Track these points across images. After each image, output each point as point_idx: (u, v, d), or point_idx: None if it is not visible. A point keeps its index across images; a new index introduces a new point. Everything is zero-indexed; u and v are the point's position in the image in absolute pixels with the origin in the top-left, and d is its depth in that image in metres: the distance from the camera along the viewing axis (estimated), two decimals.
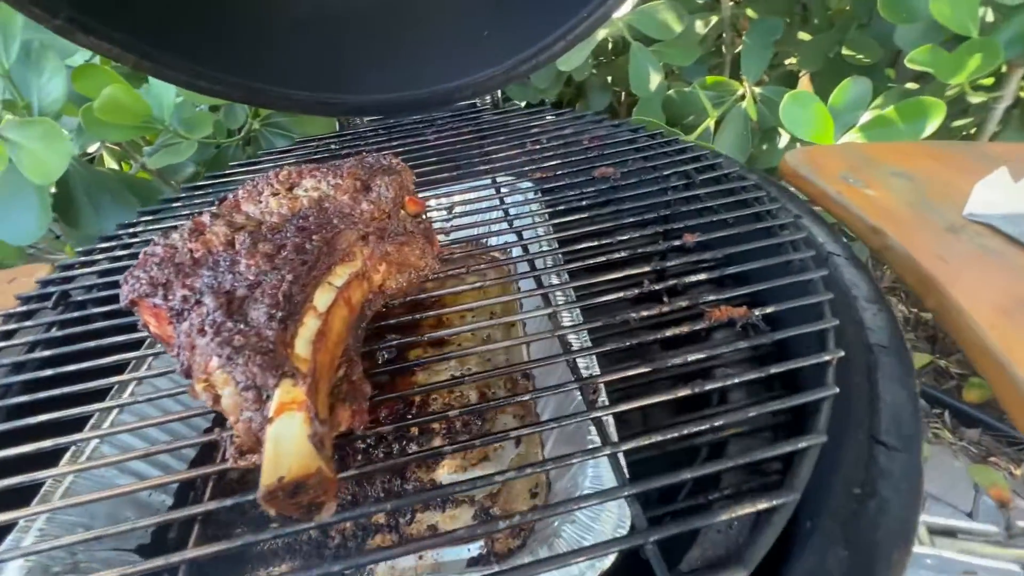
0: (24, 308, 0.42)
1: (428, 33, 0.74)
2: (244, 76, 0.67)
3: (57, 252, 1.68)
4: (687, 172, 0.47)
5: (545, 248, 0.42)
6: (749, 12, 1.39)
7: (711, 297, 0.33)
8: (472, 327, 0.37)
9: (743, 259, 0.36)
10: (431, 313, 0.38)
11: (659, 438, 0.25)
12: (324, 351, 0.26)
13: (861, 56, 1.13)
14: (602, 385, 0.30)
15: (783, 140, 1.19)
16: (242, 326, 0.24)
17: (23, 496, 0.30)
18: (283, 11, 0.67)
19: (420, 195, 0.49)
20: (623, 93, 1.64)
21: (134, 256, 0.47)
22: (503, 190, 0.51)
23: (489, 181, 0.53)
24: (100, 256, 0.47)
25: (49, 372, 0.34)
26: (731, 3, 1.30)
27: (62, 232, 1.18)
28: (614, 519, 0.26)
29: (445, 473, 0.40)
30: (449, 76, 0.77)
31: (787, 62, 1.38)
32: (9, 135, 0.82)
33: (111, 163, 1.32)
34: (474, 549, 0.35)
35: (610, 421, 0.28)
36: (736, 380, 0.27)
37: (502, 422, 0.44)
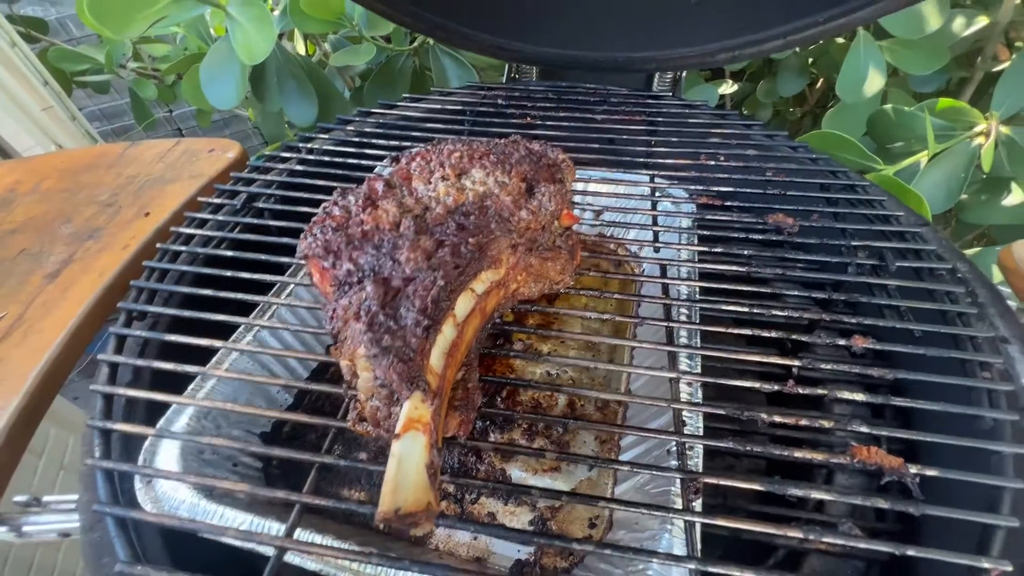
0: (218, 200, 0.48)
1: None
2: (432, 11, 0.67)
3: (242, 111, 1.91)
4: (882, 251, 0.40)
5: (684, 292, 0.40)
6: None
7: (862, 428, 0.29)
8: (584, 336, 0.36)
9: (921, 392, 0.31)
10: (547, 309, 0.38)
11: (751, 575, 0.23)
12: (453, 365, 0.27)
13: None
14: (701, 484, 0.28)
15: (1014, 198, 0.96)
16: (392, 324, 0.26)
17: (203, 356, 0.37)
18: None
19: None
20: (820, 81, 1.40)
21: (307, 174, 0.51)
22: (660, 205, 0.48)
23: (647, 188, 0.49)
24: (282, 166, 0.53)
25: (228, 274, 0.40)
26: (1017, 2, 1.02)
27: (250, 101, 1.32)
28: None
29: (517, 469, 0.42)
30: (636, 44, 0.71)
31: None
32: (230, 10, 0.91)
33: (299, 43, 1.43)
34: (523, 552, 0.38)
35: (697, 527, 0.27)
36: (863, 546, 0.24)
37: (582, 438, 0.44)
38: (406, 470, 0.21)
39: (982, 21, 1.02)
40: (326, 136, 0.59)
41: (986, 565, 0.24)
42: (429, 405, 0.24)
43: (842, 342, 0.34)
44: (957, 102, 0.93)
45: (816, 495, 0.26)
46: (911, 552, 0.24)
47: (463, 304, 0.29)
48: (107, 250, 0.59)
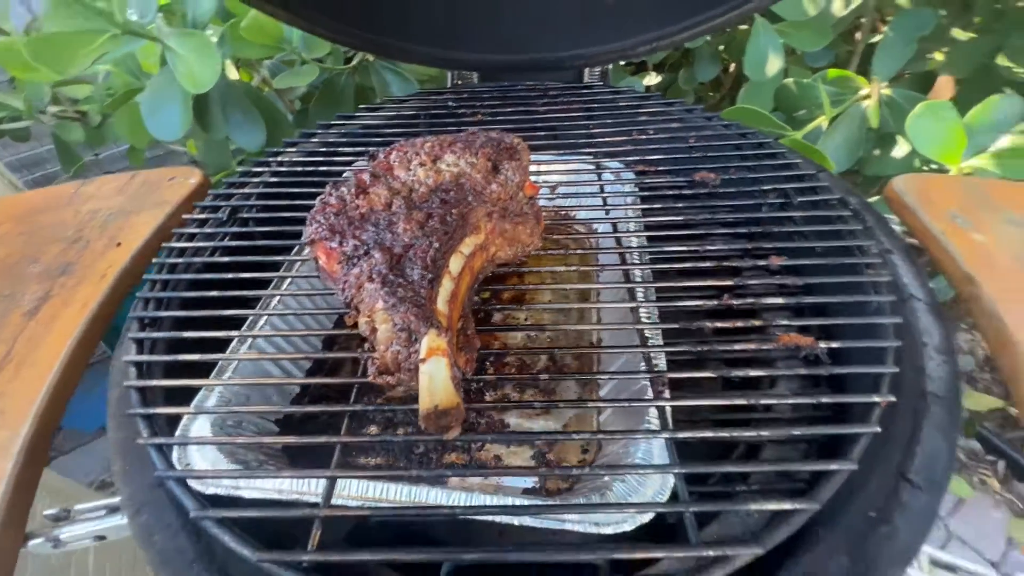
0: (201, 216, 0.51)
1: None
2: (370, 30, 0.72)
3: (178, 146, 1.86)
4: (786, 191, 0.49)
5: (634, 242, 0.47)
6: None
7: (783, 322, 0.36)
8: (554, 307, 0.42)
9: (823, 291, 0.39)
10: (519, 285, 0.44)
11: (711, 434, 0.30)
12: (455, 309, 0.32)
13: (1020, 70, 1.01)
14: (667, 378, 0.35)
15: (901, 149, 1.11)
16: (402, 280, 0.31)
17: (205, 368, 0.40)
18: None
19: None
20: (732, 65, 1.55)
21: (283, 184, 0.55)
22: (604, 176, 0.55)
23: (591, 163, 0.56)
24: (256, 180, 0.56)
25: (229, 276, 0.43)
26: None
27: (191, 132, 1.31)
28: (656, 487, 0.32)
29: (514, 417, 0.48)
30: (564, 44, 0.78)
31: (930, 57, 1.25)
32: (169, 43, 0.93)
33: (231, 70, 1.43)
34: (529, 482, 0.43)
35: (668, 411, 0.33)
36: (790, 401, 0.32)
37: (565, 384, 0.50)
38: (436, 380, 0.26)
39: (856, 1, 1.17)
40: (293, 149, 0.62)
41: (877, 399, 0.32)
42: (444, 337, 0.29)
43: (763, 263, 0.41)
44: (845, 71, 1.07)
45: (754, 373, 0.33)
46: (825, 400, 0.32)
47: (455, 263, 0.34)
48: (85, 282, 0.60)
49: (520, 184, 0.40)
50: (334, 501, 0.33)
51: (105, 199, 0.76)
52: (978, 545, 1.41)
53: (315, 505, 0.29)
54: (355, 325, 0.35)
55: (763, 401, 0.31)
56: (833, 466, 0.28)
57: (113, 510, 0.39)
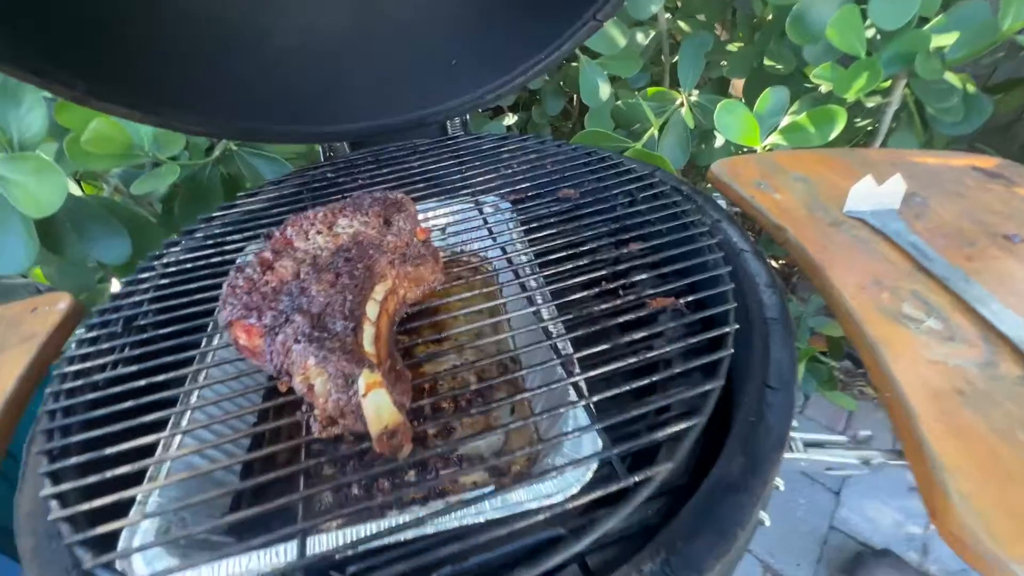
0: (92, 334, 0.49)
1: (401, 63, 0.83)
2: (232, 118, 0.73)
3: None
4: (631, 191, 0.59)
5: (523, 258, 0.54)
6: (682, 25, 1.53)
7: (649, 291, 0.45)
8: (468, 327, 0.48)
9: (675, 260, 0.49)
10: (434, 318, 0.49)
11: (617, 391, 0.36)
12: (381, 348, 0.36)
13: (780, 67, 1.28)
14: (575, 359, 0.41)
15: (719, 140, 1.34)
16: (326, 335, 0.34)
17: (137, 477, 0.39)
18: (261, 56, 0.73)
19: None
20: (575, 97, 1.77)
21: (175, 284, 0.55)
22: (485, 210, 0.62)
23: (471, 202, 0.63)
24: (144, 286, 0.55)
25: (142, 383, 0.42)
26: (667, 16, 1.44)
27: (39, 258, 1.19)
28: (590, 450, 0.38)
29: (457, 437, 0.51)
30: (421, 103, 0.87)
31: (722, 64, 1.52)
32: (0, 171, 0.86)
33: (73, 187, 1.33)
34: (487, 492, 0.47)
35: (583, 384, 0.40)
36: (669, 349, 0.40)
37: (498, 398, 0.55)
38: (380, 408, 0.30)
39: (651, 32, 1.41)
40: (177, 248, 0.62)
41: (727, 329, 0.41)
42: (378, 372, 0.32)
43: (626, 250, 0.50)
44: (661, 88, 1.27)
45: (639, 335, 0.41)
46: (694, 340, 0.40)
47: (371, 309, 0.38)
48: None
49: (412, 231, 0.45)
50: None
51: None
52: (877, 444, 1.66)
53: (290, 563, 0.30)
54: (289, 390, 0.37)
55: (651, 355, 0.39)
56: (708, 386, 0.36)
57: None
